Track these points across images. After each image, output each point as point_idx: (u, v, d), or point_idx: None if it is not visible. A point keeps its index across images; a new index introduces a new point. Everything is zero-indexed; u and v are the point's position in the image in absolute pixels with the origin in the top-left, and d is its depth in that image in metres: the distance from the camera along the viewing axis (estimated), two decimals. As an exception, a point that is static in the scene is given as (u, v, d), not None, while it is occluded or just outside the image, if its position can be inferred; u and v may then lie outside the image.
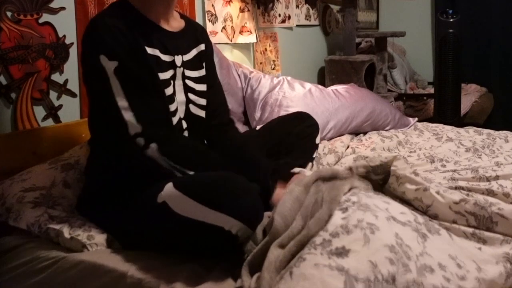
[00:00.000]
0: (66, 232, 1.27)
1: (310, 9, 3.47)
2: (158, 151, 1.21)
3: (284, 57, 3.11)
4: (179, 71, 1.38)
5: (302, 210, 1.11)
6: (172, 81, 1.35)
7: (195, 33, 1.48)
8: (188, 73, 1.41)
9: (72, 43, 1.80)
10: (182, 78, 1.39)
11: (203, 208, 1.07)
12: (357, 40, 3.54)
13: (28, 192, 1.40)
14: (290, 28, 3.25)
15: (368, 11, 4.40)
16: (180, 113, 1.38)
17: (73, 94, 1.81)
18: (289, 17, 3.20)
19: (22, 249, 1.31)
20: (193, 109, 1.42)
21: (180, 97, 1.38)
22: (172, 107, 1.33)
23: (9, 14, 1.59)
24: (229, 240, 1.07)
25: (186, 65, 1.40)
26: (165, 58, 1.34)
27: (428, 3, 4.48)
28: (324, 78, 3.37)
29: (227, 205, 1.06)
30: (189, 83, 1.40)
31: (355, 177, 1.27)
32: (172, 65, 1.36)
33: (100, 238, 1.27)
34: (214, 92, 1.52)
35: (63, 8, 1.76)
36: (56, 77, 1.76)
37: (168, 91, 1.33)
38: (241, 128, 2.29)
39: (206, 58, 1.49)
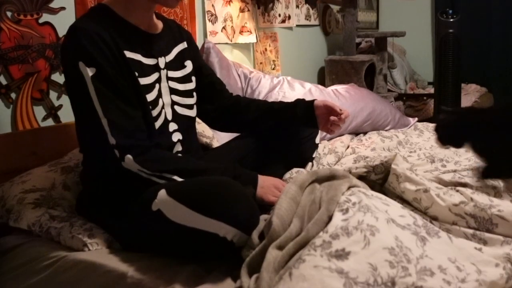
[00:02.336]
0: (67, 230, 1.28)
1: (310, 9, 3.47)
2: (134, 162, 1.20)
3: (284, 57, 3.10)
4: (163, 73, 1.37)
5: (298, 210, 1.11)
6: (157, 84, 1.35)
7: (173, 32, 1.47)
8: (171, 74, 1.40)
9: (72, 43, 1.79)
10: (166, 80, 1.38)
11: (197, 215, 1.06)
12: (357, 40, 3.54)
13: (28, 194, 1.41)
14: (290, 28, 3.25)
15: (368, 11, 4.40)
16: (168, 116, 1.38)
17: (73, 94, 1.81)
18: (289, 17, 3.20)
19: (23, 249, 1.31)
20: (179, 110, 1.41)
21: (166, 99, 1.37)
22: (155, 112, 1.32)
23: (9, 14, 1.59)
24: (224, 246, 1.07)
25: (169, 66, 1.40)
26: (148, 61, 1.33)
27: (428, 3, 4.48)
28: (324, 78, 3.37)
29: (221, 211, 1.05)
30: (173, 84, 1.40)
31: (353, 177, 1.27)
32: (156, 68, 1.35)
33: (101, 237, 1.27)
34: (210, 79, 1.57)
35: (63, 8, 1.76)
36: (56, 77, 1.76)
37: (152, 95, 1.32)
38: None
39: (190, 55, 1.49)
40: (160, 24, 1.43)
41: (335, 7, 3.80)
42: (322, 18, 3.66)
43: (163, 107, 1.36)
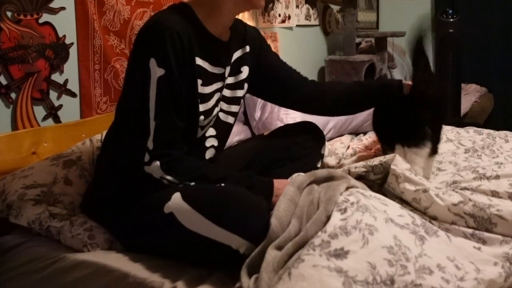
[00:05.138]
0: (67, 230, 1.28)
1: (310, 9, 3.47)
2: (160, 169, 1.20)
3: (284, 57, 3.07)
4: (225, 82, 1.36)
5: (297, 211, 1.11)
6: (218, 93, 1.34)
7: (239, 36, 1.44)
8: (227, 80, 1.38)
9: (72, 43, 1.80)
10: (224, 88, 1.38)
11: (212, 225, 1.07)
12: (357, 40, 3.54)
13: (29, 189, 1.40)
14: (290, 28, 3.25)
15: (368, 11, 4.40)
16: (210, 122, 1.37)
17: (73, 94, 1.82)
18: (289, 17, 3.20)
19: (22, 248, 1.31)
20: (222, 116, 1.41)
21: (218, 107, 1.37)
22: (206, 121, 1.32)
23: (9, 14, 1.59)
24: (234, 256, 1.07)
25: (229, 73, 1.38)
26: (215, 70, 1.31)
27: (428, 3, 4.48)
28: (324, 78, 3.37)
29: (237, 225, 1.06)
30: (224, 91, 1.39)
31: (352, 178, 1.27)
32: (221, 77, 1.34)
33: (101, 237, 1.28)
34: (286, 72, 1.62)
35: (63, 8, 1.76)
36: (56, 77, 1.76)
37: (209, 104, 1.31)
38: (241, 128, 2.29)
39: (249, 60, 1.46)
40: (229, 32, 1.40)
41: (335, 7, 3.80)
42: (322, 18, 3.66)
43: (214, 116, 1.35)
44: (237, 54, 1.42)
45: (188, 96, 1.25)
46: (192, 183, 1.23)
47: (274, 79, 1.57)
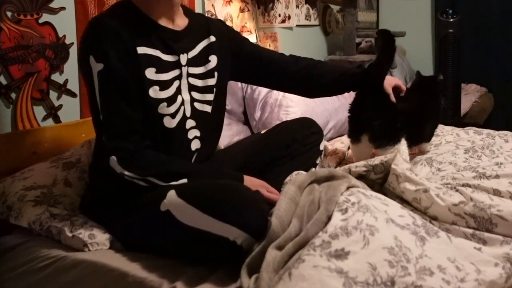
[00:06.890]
0: (68, 230, 1.28)
1: (310, 9, 3.47)
2: (118, 164, 1.21)
3: (284, 57, 3.10)
4: (184, 70, 1.37)
5: (297, 210, 1.11)
6: (177, 81, 1.35)
7: (201, 27, 1.46)
8: (192, 70, 1.39)
9: (72, 43, 1.80)
10: (186, 77, 1.38)
11: (208, 218, 1.07)
12: (357, 40, 3.54)
13: (29, 191, 1.41)
14: (290, 28, 3.25)
15: (368, 11, 4.40)
16: (187, 112, 1.38)
17: (73, 94, 1.82)
18: (289, 17, 3.20)
19: (23, 248, 1.32)
20: (199, 106, 1.41)
21: (186, 96, 1.37)
22: (172, 108, 1.32)
23: (9, 14, 1.59)
24: (232, 249, 1.07)
25: (191, 62, 1.39)
26: (168, 58, 1.33)
27: (428, 3, 4.48)
28: (324, 78, 3.36)
29: (233, 216, 1.06)
30: (192, 80, 1.39)
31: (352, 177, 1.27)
32: (176, 65, 1.35)
33: (101, 237, 1.27)
34: (267, 54, 1.63)
35: (63, 8, 1.76)
36: (56, 77, 1.76)
37: (169, 92, 1.32)
38: (241, 128, 2.29)
39: (217, 49, 1.47)
40: (186, 20, 1.42)
41: (335, 7, 3.80)
42: (322, 18, 3.66)
43: (182, 104, 1.36)
44: (202, 45, 1.43)
45: (136, 86, 1.27)
46: (157, 180, 1.23)
47: (257, 64, 1.60)
